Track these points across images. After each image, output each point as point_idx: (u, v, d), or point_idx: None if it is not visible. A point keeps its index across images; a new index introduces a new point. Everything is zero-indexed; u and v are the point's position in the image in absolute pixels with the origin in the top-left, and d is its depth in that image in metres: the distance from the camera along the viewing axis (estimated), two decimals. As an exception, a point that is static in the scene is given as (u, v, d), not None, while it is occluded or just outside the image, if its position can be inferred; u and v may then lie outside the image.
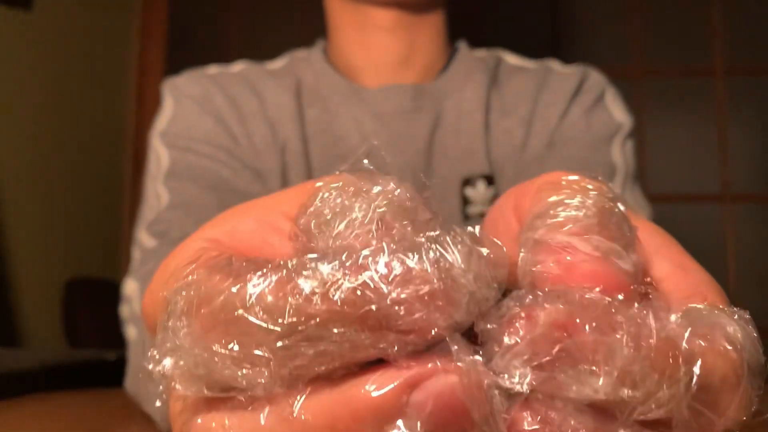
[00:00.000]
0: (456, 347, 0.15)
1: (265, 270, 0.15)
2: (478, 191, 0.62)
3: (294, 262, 0.15)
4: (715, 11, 1.95)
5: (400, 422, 0.14)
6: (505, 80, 0.68)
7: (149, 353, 0.17)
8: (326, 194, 0.17)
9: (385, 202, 0.17)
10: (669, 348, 0.15)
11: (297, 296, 0.15)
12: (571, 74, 0.68)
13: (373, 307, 0.14)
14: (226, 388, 0.16)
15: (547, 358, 0.15)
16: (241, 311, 0.15)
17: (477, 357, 0.15)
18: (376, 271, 0.14)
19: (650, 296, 0.17)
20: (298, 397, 0.15)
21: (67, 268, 1.74)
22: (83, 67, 1.87)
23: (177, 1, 2.12)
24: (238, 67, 0.70)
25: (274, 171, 0.62)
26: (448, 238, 0.15)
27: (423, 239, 0.15)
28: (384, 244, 0.15)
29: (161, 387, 0.17)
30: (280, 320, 0.15)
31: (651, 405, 0.15)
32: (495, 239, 0.16)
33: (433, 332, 0.15)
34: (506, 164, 0.64)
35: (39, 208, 1.69)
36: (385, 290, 0.14)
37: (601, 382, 0.14)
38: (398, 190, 0.18)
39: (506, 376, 0.15)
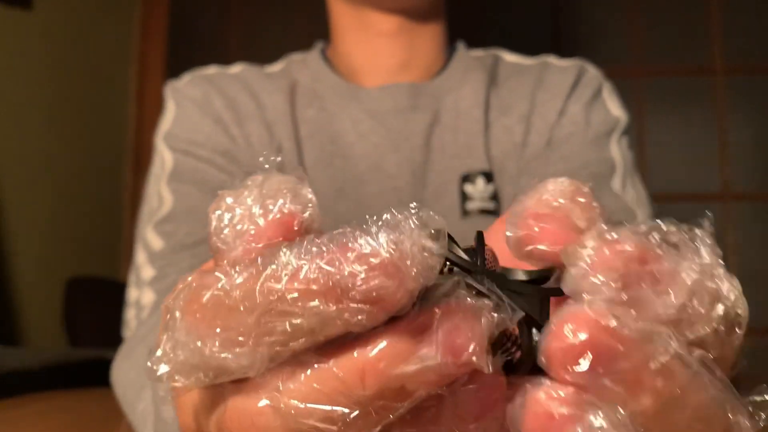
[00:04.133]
0: (463, 292, 0.18)
1: (242, 265, 0.18)
2: (477, 187, 0.63)
3: (265, 255, 0.18)
4: (715, 11, 1.95)
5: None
6: (504, 78, 0.69)
7: (151, 357, 0.19)
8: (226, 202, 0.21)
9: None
10: (716, 284, 0.19)
11: (270, 279, 0.17)
12: (568, 68, 0.68)
13: (332, 280, 0.17)
14: (220, 374, 0.18)
15: (631, 278, 0.17)
16: (223, 298, 0.18)
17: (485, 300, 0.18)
18: (334, 251, 0.17)
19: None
20: (320, 356, 0.18)
21: (68, 267, 1.74)
22: (83, 67, 1.87)
23: (177, 1, 2.12)
24: (237, 68, 0.71)
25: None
26: (393, 218, 0.18)
27: (372, 222, 0.18)
28: (343, 229, 0.18)
29: (164, 388, 0.19)
30: (255, 300, 0.17)
31: (706, 323, 0.18)
32: (433, 214, 0.19)
33: (388, 301, 0.17)
34: (507, 161, 0.64)
35: (40, 207, 1.69)
36: (344, 265, 0.17)
37: (674, 298, 0.17)
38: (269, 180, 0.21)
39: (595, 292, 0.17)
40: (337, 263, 0.17)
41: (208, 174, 0.62)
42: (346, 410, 0.17)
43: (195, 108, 0.65)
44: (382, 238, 0.17)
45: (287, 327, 0.17)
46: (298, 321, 0.17)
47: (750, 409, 0.19)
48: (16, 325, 1.58)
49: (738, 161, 1.91)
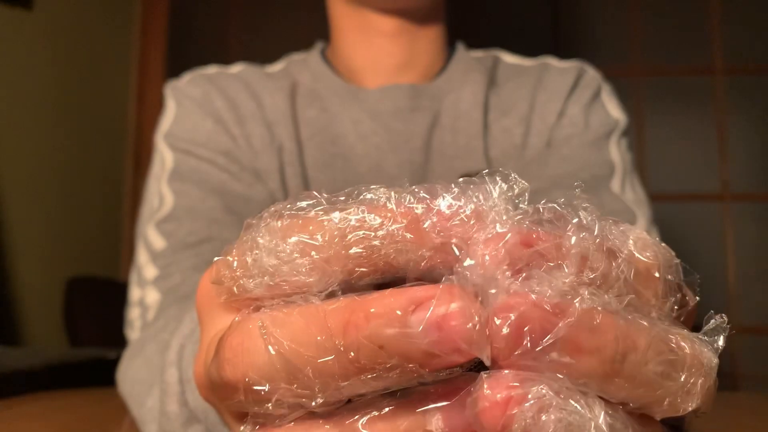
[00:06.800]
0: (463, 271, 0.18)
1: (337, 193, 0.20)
2: None
3: (361, 188, 0.20)
4: (715, 11, 1.95)
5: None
6: (503, 80, 0.69)
7: (217, 261, 0.21)
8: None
9: None
10: (605, 240, 0.19)
11: (361, 203, 0.19)
12: (568, 70, 0.69)
13: (417, 214, 0.18)
14: (287, 283, 0.20)
15: (521, 264, 0.18)
16: (315, 211, 0.20)
17: None
18: (426, 193, 0.19)
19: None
20: (323, 300, 0.19)
21: (68, 266, 1.74)
22: (83, 67, 1.87)
23: (177, 1, 2.12)
24: (237, 68, 0.71)
25: (272, 171, 0.63)
26: (484, 179, 0.19)
27: (466, 180, 0.19)
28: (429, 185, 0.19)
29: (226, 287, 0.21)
30: (344, 218, 0.19)
31: (607, 286, 0.18)
32: (521, 181, 0.20)
33: (458, 248, 0.18)
34: (507, 163, 0.64)
35: (40, 207, 1.69)
36: (433, 205, 0.19)
37: (567, 269, 0.18)
38: None
39: (492, 280, 0.18)
40: (427, 202, 0.19)
41: (209, 173, 0.62)
42: (321, 353, 0.18)
43: (195, 107, 0.66)
44: (476, 193, 0.19)
45: (368, 245, 0.19)
46: (378, 243, 0.19)
47: (706, 338, 0.20)
48: (17, 325, 1.58)
49: (737, 161, 1.91)
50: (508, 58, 0.72)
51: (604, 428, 0.17)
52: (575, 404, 0.17)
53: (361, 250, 0.19)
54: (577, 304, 0.17)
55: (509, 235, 0.18)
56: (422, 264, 0.19)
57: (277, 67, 0.72)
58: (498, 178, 0.19)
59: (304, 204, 0.20)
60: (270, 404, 0.19)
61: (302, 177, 0.64)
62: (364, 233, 0.19)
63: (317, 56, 0.71)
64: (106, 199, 1.97)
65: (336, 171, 0.64)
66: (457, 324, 0.17)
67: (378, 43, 0.68)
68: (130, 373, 0.50)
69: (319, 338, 0.18)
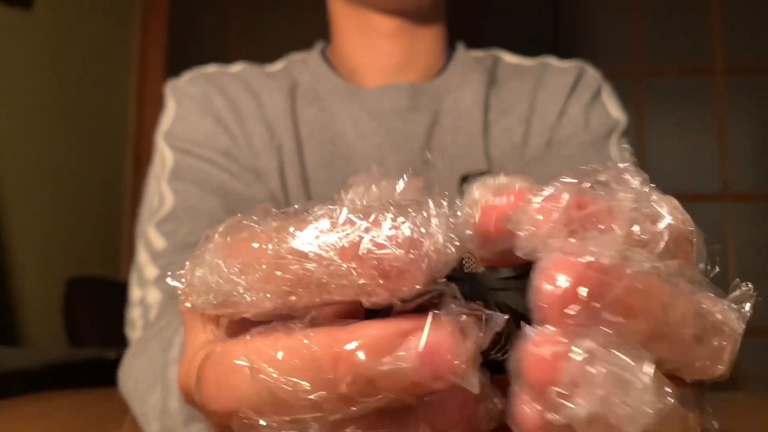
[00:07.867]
0: (453, 305, 0.18)
1: (283, 211, 0.20)
2: None
3: (305, 206, 0.20)
4: (715, 11, 1.95)
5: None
6: (503, 79, 0.69)
7: (175, 275, 0.21)
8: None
9: None
10: (649, 205, 0.19)
11: (299, 224, 0.18)
12: (568, 69, 0.69)
13: (352, 240, 0.18)
14: (227, 301, 0.19)
15: (575, 226, 0.18)
16: (258, 232, 0.19)
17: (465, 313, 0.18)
18: (365, 217, 0.18)
19: None
20: (307, 329, 0.18)
21: (68, 266, 1.74)
22: (83, 67, 1.87)
23: (177, 1, 2.12)
24: (237, 67, 0.71)
25: (272, 170, 0.63)
26: (427, 204, 0.18)
27: (407, 204, 0.18)
28: (372, 204, 0.19)
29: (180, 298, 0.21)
30: (281, 237, 0.18)
31: (651, 251, 0.18)
32: (471, 211, 0.20)
33: (397, 276, 0.17)
34: (507, 162, 0.64)
35: (40, 207, 1.69)
36: (368, 232, 0.18)
37: (618, 231, 0.18)
38: None
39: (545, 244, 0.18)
40: (362, 228, 0.18)
41: (209, 173, 0.62)
42: (312, 389, 0.18)
43: (195, 107, 0.66)
44: (414, 219, 0.18)
45: (299, 269, 0.18)
46: (311, 266, 0.18)
47: (734, 306, 0.20)
48: (16, 325, 1.58)
49: (737, 161, 1.91)
50: (508, 57, 0.72)
51: (652, 382, 0.17)
52: (624, 357, 0.17)
53: (292, 272, 0.18)
54: (631, 266, 0.18)
55: (565, 195, 0.18)
56: (356, 290, 0.18)
57: (277, 66, 0.72)
58: (443, 202, 0.19)
59: (255, 219, 0.20)
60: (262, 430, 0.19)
61: (302, 176, 0.64)
62: (294, 256, 0.18)
63: (317, 56, 0.71)
64: (106, 199, 1.97)
65: (336, 170, 0.64)
66: (448, 357, 0.17)
67: (378, 43, 0.68)
68: (134, 371, 0.50)
69: (310, 376, 0.18)
